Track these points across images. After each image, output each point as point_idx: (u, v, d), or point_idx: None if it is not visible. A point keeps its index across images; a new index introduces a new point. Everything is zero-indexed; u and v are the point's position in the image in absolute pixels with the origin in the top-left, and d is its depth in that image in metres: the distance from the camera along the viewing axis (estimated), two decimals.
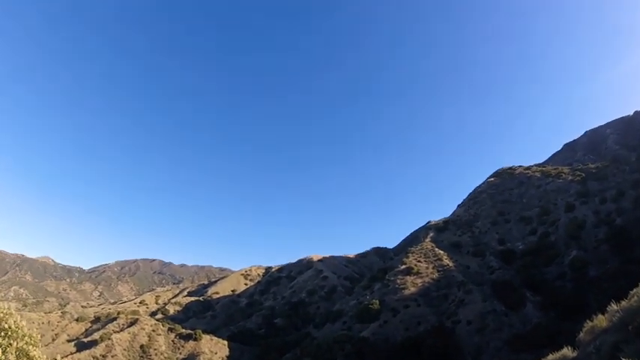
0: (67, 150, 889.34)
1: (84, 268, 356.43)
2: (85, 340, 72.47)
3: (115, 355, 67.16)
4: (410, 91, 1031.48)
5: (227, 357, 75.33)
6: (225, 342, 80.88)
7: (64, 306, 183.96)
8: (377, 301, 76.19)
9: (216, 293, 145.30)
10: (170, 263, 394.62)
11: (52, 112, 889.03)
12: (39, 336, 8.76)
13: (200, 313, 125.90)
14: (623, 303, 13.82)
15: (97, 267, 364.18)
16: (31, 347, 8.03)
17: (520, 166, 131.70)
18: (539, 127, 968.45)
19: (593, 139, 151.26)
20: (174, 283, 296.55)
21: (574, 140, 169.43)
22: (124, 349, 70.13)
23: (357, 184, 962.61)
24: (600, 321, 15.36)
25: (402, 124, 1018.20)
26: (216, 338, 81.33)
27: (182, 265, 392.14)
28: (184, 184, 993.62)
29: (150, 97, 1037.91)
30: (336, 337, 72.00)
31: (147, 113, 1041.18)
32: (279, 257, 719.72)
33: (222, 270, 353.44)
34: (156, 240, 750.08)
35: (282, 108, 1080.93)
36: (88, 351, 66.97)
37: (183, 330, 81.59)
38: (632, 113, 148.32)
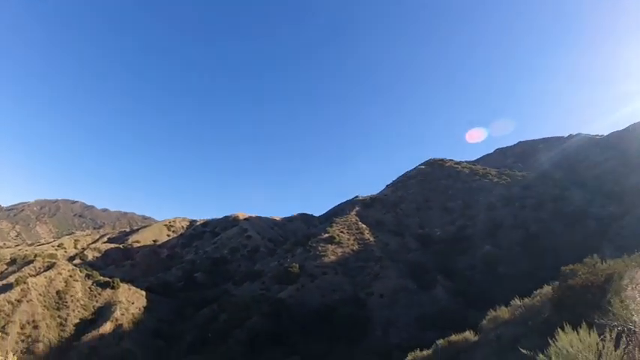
0: None
1: (2, 205, 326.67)
2: (0, 283, 67.64)
3: (31, 300, 63.62)
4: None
5: (144, 308, 74.20)
6: (144, 292, 79.46)
7: None
8: (297, 265, 78.39)
9: (137, 242, 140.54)
10: (92, 207, 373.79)
11: None
12: None
13: (119, 261, 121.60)
14: (526, 300, 15.71)
15: (16, 205, 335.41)
16: None
17: (451, 160, 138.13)
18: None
19: (525, 150, 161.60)
20: (94, 228, 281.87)
21: (507, 147, 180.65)
22: (40, 295, 66.59)
23: (291, 150, 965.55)
24: (503, 313, 17.32)
25: (346, 97, 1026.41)
26: (134, 288, 79.52)
27: (104, 210, 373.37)
28: (113, 126, 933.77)
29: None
30: (254, 296, 73.62)
31: (77, 45, 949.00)
32: (205, 212, 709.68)
33: (145, 218, 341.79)
34: (79, 181, 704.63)
35: (217, 57, 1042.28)
36: (3, 295, 62.85)
37: (101, 277, 78.71)
38: (566, 135, 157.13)
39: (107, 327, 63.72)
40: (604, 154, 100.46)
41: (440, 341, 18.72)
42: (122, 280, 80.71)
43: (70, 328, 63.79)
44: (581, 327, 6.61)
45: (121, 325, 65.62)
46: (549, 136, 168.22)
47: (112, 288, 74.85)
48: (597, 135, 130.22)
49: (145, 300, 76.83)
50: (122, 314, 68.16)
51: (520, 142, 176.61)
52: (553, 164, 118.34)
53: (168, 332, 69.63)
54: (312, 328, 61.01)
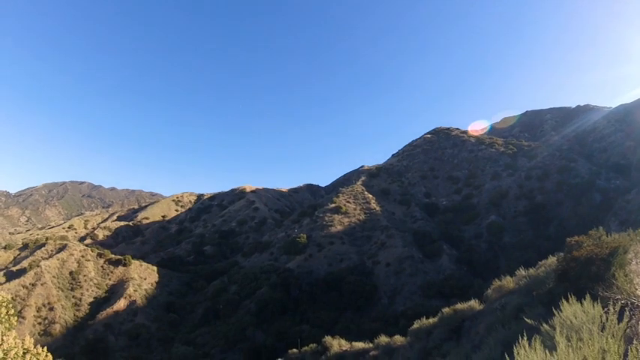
0: None
1: (10, 192, 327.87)
2: (14, 269, 69.15)
3: (45, 282, 65.10)
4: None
5: (156, 283, 75.90)
6: (155, 268, 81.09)
7: None
8: (304, 236, 79.31)
9: (147, 218, 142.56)
10: (100, 186, 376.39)
11: None
12: None
13: (129, 239, 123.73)
14: (531, 270, 15.78)
15: (24, 190, 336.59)
16: None
17: (457, 129, 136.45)
18: (484, 97, 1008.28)
19: (532, 120, 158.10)
20: (103, 207, 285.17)
21: (513, 116, 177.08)
22: (54, 277, 68.04)
23: (295, 120, 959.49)
24: (508, 282, 17.48)
25: (353, 68, 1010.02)
26: (145, 264, 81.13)
27: (112, 189, 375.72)
28: (116, 105, 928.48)
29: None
30: (262, 267, 74.89)
31: (83, 26, 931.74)
32: (212, 186, 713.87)
33: (153, 195, 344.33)
34: (85, 161, 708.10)
35: (223, 27, 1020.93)
36: (17, 280, 64.28)
37: (113, 255, 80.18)
38: (573, 106, 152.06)
39: (121, 304, 65.34)
40: (611, 127, 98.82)
41: (445, 309, 19.06)
42: (133, 257, 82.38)
43: (84, 308, 65.53)
44: (585, 299, 6.65)
45: (134, 301, 67.24)
46: (556, 106, 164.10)
47: (124, 265, 76.44)
48: (605, 107, 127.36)
49: (157, 275, 78.53)
50: (135, 290, 69.77)
51: (527, 111, 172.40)
52: (559, 135, 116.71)
53: (181, 305, 71.44)
54: (320, 296, 62.32)
